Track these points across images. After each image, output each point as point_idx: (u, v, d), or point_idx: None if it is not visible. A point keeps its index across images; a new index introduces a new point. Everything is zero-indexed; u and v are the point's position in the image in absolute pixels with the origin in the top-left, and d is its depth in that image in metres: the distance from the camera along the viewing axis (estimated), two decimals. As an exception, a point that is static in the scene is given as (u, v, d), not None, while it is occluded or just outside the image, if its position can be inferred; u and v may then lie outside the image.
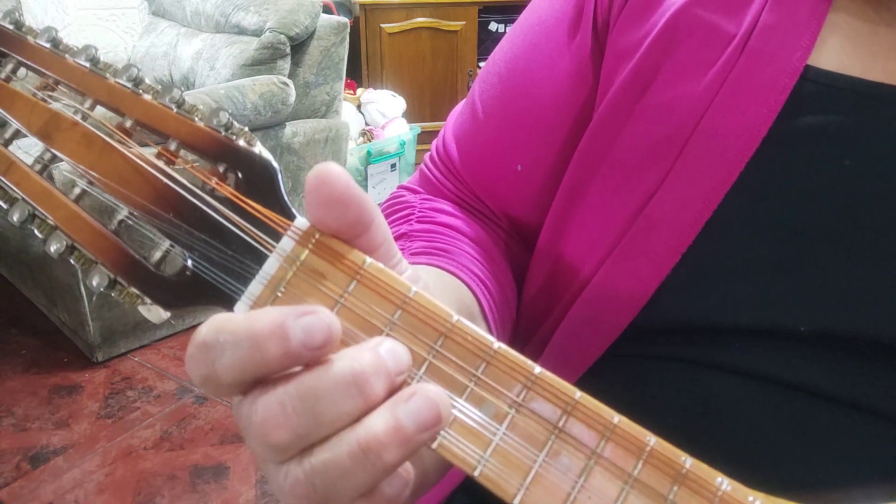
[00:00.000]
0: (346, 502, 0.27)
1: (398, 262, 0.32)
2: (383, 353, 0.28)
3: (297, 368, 0.28)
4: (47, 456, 1.67)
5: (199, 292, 0.30)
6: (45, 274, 1.96)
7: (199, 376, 0.27)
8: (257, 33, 2.16)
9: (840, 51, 0.44)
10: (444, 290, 0.47)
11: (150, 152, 0.31)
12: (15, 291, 2.23)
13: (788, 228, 0.43)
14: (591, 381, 0.49)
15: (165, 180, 0.30)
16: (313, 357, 0.27)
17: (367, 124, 2.98)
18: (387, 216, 0.58)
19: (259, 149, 0.30)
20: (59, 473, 1.62)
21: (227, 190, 0.30)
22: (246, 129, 0.30)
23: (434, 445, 0.28)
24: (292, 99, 2.09)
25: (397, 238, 0.54)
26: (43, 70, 0.32)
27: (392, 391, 0.28)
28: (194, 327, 1.76)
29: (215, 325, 0.27)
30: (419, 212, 0.56)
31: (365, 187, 2.82)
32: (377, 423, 0.27)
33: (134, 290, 0.30)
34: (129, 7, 2.60)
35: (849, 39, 0.44)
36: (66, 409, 1.82)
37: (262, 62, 2.11)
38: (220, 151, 0.30)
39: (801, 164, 0.43)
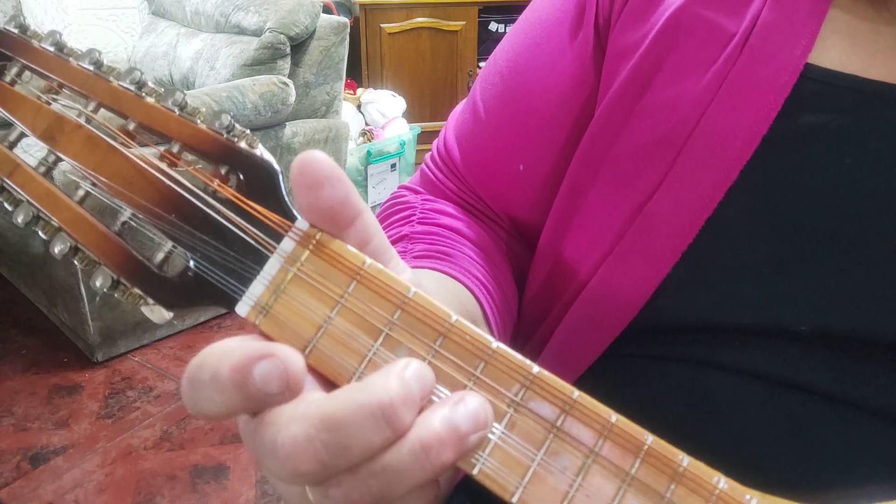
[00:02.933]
0: None
1: (391, 259, 0.32)
2: (409, 378, 0.27)
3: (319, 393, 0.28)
4: (47, 456, 1.67)
5: (200, 293, 0.30)
6: (45, 274, 1.96)
7: (189, 409, 0.28)
8: (257, 33, 2.16)
9: (840, 49, 0.44)
10: (446, 294, 0.47)
11: (151, 153, 0.31)
12: (15, 291, 2.23)
13: (788, 227, 0.43)
14: (590, 381, 0.49)
15: (168, 182, 0.30)
16: (280, 400, 0.27)
17: (367, 124, 2.98)
18: (387, 216, 0.58)
19: (260, 151, 0.30)
20: (59, 473, 1.62)
21: (228, 192, 0.30)
22: (248, 131, 0.30)
23: None
24: (292, 99, 2.09)
25: (399, 239, 0.54)
26: (47, 73, 0.32)
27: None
28: (195, 327, 1.76)
29: (198, 359, 0.27)
30: (420, 213, 0.56)
31: (365, 187, 2.82)
32: (403, 451, 0.27)
33: (137, 290, 0.30)
34: (129, 7, 2.60)
35: (849, 38, 0.44)
36: (66, 409, 1.82)
37: (262, 62, 2.11)
38: (222, 153, 0.30)
39: (802, 163, 0.43)
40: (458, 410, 0.27)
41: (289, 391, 0.27)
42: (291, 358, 0.27)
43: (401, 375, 0.27)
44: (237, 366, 0.26)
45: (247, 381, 0.26)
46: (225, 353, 0.27)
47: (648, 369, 0.48)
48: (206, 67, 2.23)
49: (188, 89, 2.24)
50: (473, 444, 0.28)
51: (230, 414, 0.27)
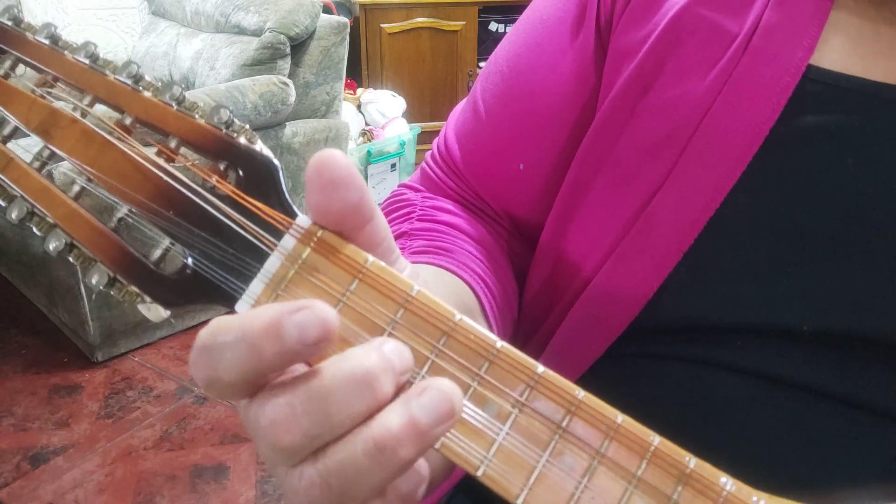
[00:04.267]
0: (362, 500, 0.27)
1: (396, 259, 0.31)
2: (388, 352, 0.27)
3: (302, 367, 0.28)
4: (47, 456, 1.67)
5: (199, 291, 0.30)
6: (45, 274, 1.96)
7: (202, 379, 0.27)
8: (257, 33, 2.16)
9: (842, 50, 0.44)
10: (443, 289, 0.47)
11: (149, 150, 0.30)
12: (15, 291, 2.23)
13: (790, 228, 0.43)
14: (592, 380, 0.49)
15: (165, 178, 0.30)
16: (312, 353, 0.26)
17: (367, 124, 2.98)
18: (387, 214, 0.58)
19: (260, 146, 0.30)
20: (59, 473, 1.62)
21: (227, 188, 0.30)
22: (247, 126, 0.30)
23: (437, 445, 0.28)
24: (292, 99, 2.09)
25: (398, 236, 0.53)
26: (42, 67, 0.31)
27: (399, 391, 0.27)
28: (195, 327, 1.77)
29: (213, 327, 0.27)
30: (420, 210, 0.56)
31: (365, 187, 2.82)
32: (392, 419, 0.26)
33: (134, 288, 0.30)
34: (129, 7, 2.61)
35: (851, 39, 0.44)
36: (66, 409, 1.82)
37: (262, 62, 2.11)
38: (220, 149, 0.30)
39: (803, 164, 0.43)
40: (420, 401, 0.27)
41: (325, 341, 0.26)
42: (327, 309, 0.27)
43: (378, 348, 0.27)
44: (274, 317, 0.26)
45: (283, 332, 0.26)
46: (251, 314, 0.26)
47: (650, 369, 0.48)
48: (206, 67, 2.23)
49: (188, 89, 2.24)
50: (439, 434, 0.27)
51: (254, 377, 0.27)
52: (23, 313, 2.18)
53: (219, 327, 0.27)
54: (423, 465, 0.29)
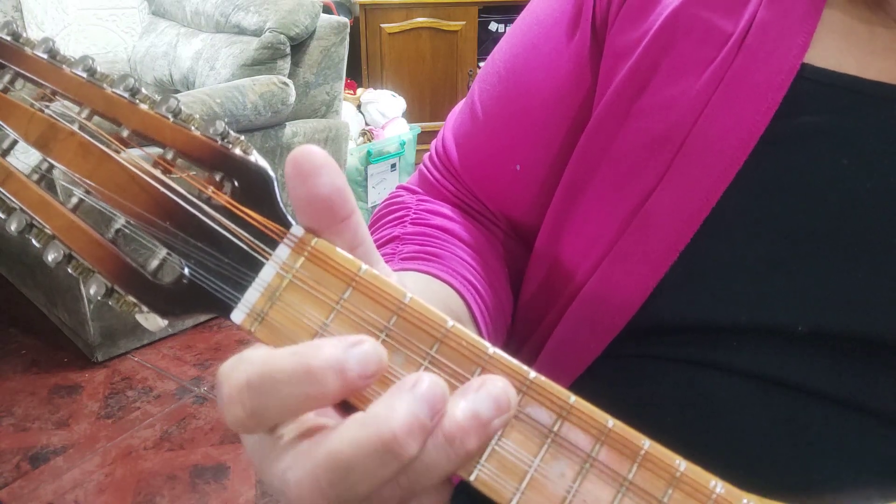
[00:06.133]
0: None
1: (377, 263, 0.32)
2: (421, 395, 0.26)
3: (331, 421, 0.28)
4: (47, 456, 1.67)
5: (195, 300, 0.30)
6: (45, 274, 1.96)
7: (242, 416, 0.27)
8: (257, 33, 2.16)
9: (836, 49, 0.44)
10: (429, 297, 0.47)
11: (143, 158, 0.31)
12: (15, 291, 2.23)
13: (786, 227, 0.43)
14: (588, 382, 0.49)
15: (162, 189, 0.30)
16: (367, 386, 0.27)
17: (367, 124, 2.98)
18: (382, 216, 0.58)
19: (255, 157, 0.30)
20: (59, 473, 1.62)
21: (223, 198, 0.30)
22: (242, 137, 0.30)
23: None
24: (292, 99, 2.09)
25: (389, 241, 0.53)
26: (40, 80, 0.32)
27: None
28: (195, 328, 1.76)
29: (260, 365, 0.27)
30: (414, 213, 0.56)
31: (365, 187, 2.82)
32: (457, 413, 0.27)
33: (131, 298, 0.30)
34: (129, 7, 2.61)
35: (845, 38, 0.44)
36: (66, 409, 1.82)
37: (262, 62, 2.11)
38: (216, 160, 0.30)
39: (798, 163, 0.43)
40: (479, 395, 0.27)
41: (380, 372, 0.27)
42: (379, 344, 0.27)
43: (412, 390, 0.26)
44: (337, 352, 0.26)
45: (346, 367, 0.26)
46: (309, 348, 0.27)
47: (646, 369, 0.48)
48: (206, 67, 2.23)
49: (188, 89, 2.24)
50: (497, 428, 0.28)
51: (306, 410, 0.27)
52: (23, 313, 2.18)
53: (269, 365, 0.26)
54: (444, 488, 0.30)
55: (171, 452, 1.70)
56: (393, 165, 2.92)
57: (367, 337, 0.27)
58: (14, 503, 1.54)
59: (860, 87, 0.43)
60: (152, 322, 0.30)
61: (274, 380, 0.26)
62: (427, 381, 0.27)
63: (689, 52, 0.47)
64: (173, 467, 1.66)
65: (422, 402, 0.26)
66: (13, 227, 0.30)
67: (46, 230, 0.31)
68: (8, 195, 0.30)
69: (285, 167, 0.28)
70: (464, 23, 3.39)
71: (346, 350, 0.26)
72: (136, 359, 2.01)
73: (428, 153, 0.63)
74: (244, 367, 0.27)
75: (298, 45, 2.22)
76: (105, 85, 0.31)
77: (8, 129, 0.31)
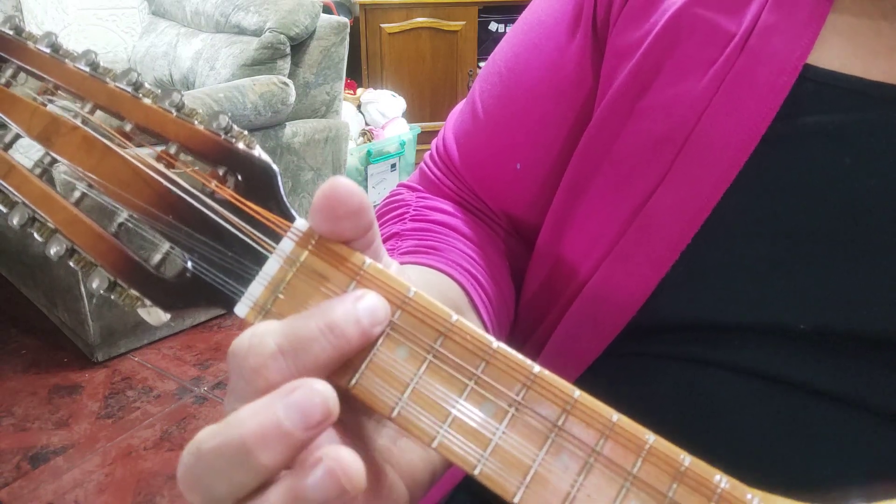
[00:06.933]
0: None
1: (382, 258, 0.32)
2: (292, 403, 0.26)
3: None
4: (47, 456, 1.67)
5: (198, 294, 0.30)
6: (45, 274, 1.96)
7: (277, 380, 0.27)
8: (257, 33, 2.16)
9: (841, 50, 0.44)
10: (428, 289, 0.47)
11: (148, 153, 0.31)
12: (15, 291, 2.23)
13: (787, 227, 0.43)
14: (590, 380, 0.49)
15: (165, 183, 0.30)
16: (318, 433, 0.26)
17: (367, 124, 2.98)
18: (382, 215, 0.58)
19: (258, 151, 0.30)
20: (59, 473, 1.62)
21: (226, 192, 0.30)
22: (245, 132, 0.30)
23: (434, 444, 0.28)
24: (292, 99, 2.09)
25: (390, 237, 0.53)
26: (43, 75, 0.32)
27: None
28: (195, 327, 1.76)
29: (287, 330, 0.28)
30: (413, 210, 0.56)
31: (365, 187, 2.82)
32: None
33: (134, 292, 0.30)
34: (129, 7, 2.60)
35: (850, 39, 0.44)
36: (66, 409, 1.82)
37: (262, 62, 2.11)
38: (219, 154, 0.30)
39: (801, 163, 0.43)
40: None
41: (329, 420, 0.26)
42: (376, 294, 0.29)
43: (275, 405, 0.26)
44: (346, 306, 0.28)
45: (359, 318, 0.28)
46: (319, 310, 0.28)
47: (647, 368, 0.48)
48: (206, 67, 2.23)
49: (188, 89, 2.24)
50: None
51: (337, 364, 0.28)
52: (23, 313, 2.18)
53: (297, 326, 0.28)
54: (398, 487, 0.30)
55: (171, 452, 1.69)
56: (393, 165, 2.92)
57: (368, 290, 0.28)
58: (14, 503, 1.54)
59: (863, 88, 0.43)
60: (155, 316, 0.30)
61: (304, 339, 0.27)
62: (302, 390, 0.26)
63: (691, 53, 0.47)
64: (173, 467, 1.65)
65: (290, 409, 0.25)
66: (15, 220, 0.30)
67: (49, 224, 0.31)
68: (10, 189, 0.30)
69: (315, 201, 0.28)
70: (464, 23, 3.39)
71: (354, 303, 0.28)
72: (136, 359, 2.01)
73: (429, 152, 0.63)
74: (267, 338, 0.27)
75: (298, 45, 2.22)
76: (108, 79, 0.31)
77: (11, 123, 0.31)
